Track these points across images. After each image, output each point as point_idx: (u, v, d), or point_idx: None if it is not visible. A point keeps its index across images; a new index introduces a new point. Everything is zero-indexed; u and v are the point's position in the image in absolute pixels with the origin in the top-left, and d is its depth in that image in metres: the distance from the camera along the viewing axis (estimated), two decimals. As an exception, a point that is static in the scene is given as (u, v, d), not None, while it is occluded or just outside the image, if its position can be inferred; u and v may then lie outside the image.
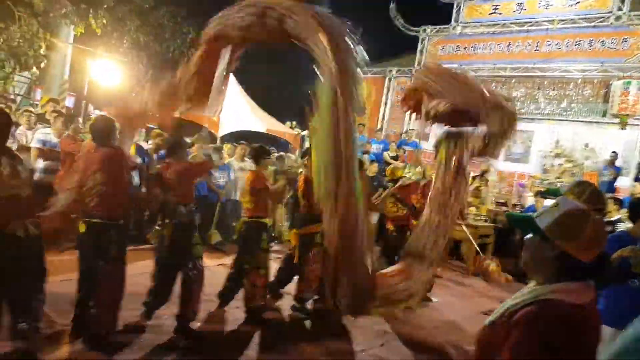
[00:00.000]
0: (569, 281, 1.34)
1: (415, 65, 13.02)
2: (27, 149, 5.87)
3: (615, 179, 9.48)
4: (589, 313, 1.32)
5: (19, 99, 10.55)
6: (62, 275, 3.88)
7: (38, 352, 3.07)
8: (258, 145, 4.98)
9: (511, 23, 11.67)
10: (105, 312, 3.41)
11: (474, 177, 9.04)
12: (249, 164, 7.90)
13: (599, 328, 1.39)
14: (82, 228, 3.45)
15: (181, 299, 3.86)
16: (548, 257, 1.37)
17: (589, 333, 1.31)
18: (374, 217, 8.97)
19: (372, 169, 8.85)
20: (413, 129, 11.85)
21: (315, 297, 4.97)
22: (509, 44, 11.64)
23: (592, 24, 10.49)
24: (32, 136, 6.06)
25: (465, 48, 12.40)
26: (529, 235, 1.46)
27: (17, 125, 6.45)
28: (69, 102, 10.22)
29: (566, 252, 1.34)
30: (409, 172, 7.60)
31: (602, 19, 10.38)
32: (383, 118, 13.65)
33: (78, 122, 6.57)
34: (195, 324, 3.95)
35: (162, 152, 7.30)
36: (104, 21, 8.93)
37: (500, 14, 11.98)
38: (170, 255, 3.96)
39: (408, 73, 13.16)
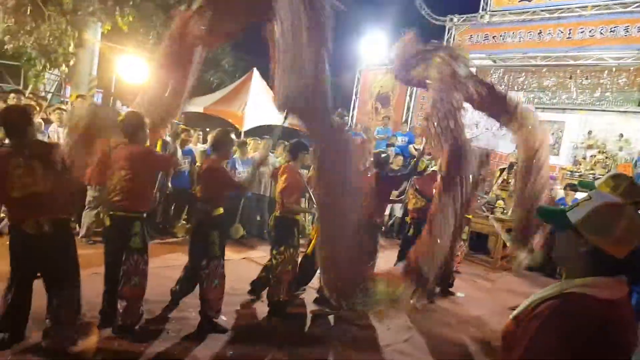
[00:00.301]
0: (600, 276, 1.29)
1: (441, 56, 12.77)
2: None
3: (651, 170, 9.10)
4: (620, 309, 1.26)
5: (49, 96, 10.88)
6: (91, 269, 3.97)
7: (64, 346, 3.10)
8: (296, 140, 4.92)
9: (542, 10, 11.29)
10: (131, 302, 3.46)
11: (501, 170, 8.83)
12: (271, 158, 7.93)
13: (634, 326, 1.31)
14: (107, 221, 3.54)
15: (200, 297, 3.90)
16: (579, 252, 1.33)
17: (619, 330, 1.23)
18: (399, 211, 8.93)
19: (397, 162, 8.76)
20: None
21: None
22: (540, 32, 11.27)
23: (628, 9, 10.03)
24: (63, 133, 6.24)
25: (494, 37, 12.07)
26: (561, 230, 1.41)
27: (49, 122, 6.66)
28: (97, 98, 10.49)
29: (598, 247, 1.29)
30: (433, 164, 7.45)
31: (638, 4, 9.91)
32: (408, 110, 13.45)
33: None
34: (220, 317, 3.98)
35: (188, 147, 7.42)
36: (130, 18, 9.10)
37: (530, 1, 11.61)
38: (192, 249, 4.05)
39: (434, 64, 12.93)
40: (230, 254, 6.29)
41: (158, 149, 6.74)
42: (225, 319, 4.06)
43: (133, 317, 3.49)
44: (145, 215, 3.62)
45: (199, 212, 3.99)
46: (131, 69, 8.99)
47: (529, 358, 1.25)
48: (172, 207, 7.51)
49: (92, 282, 3.61)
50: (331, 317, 4.64)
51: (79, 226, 6.06)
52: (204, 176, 3.99)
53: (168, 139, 7.81)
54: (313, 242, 4.81)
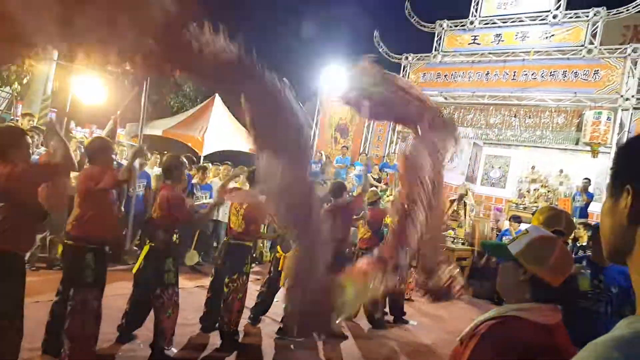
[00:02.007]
0: (537, 302, 1.41)
1: (397, 91, 13.33)
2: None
3: (587, 204, 9.77)
4: (552, 334, 1.36)
5: (-2, 113, 10.38)
6: (32, 297, 3.73)
7: None
8: (254, 168, 4.92)
9: (489, 53, 12.10)
10: (78, 342, 3.20)
11: (452, 201, 9.21)
12: (232, 184, 7.91)
13: (568, 350, 1.37)
14: (59, 249, 3.37)
15: (154, 326, 3.76)
16: (520, 281, 1.45)
17: (550, 353, 1.32)
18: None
19: (359, 191, 8.95)
20: (395, 152, 12.08)
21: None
22: (487, 73, 12.06)
23: (566, 56, 10.96)
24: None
25: (445, 76, 12.78)
26: (503, 261, 1.54)
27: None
28: (51, 117, 10.11)
29: (536, 276, 1.43)
30: (389, 195, 7.71)
31: (575, 52, 10.86)
32: (366, 140, 13.87)
33: (59, 138, 6.52)
34: (172, 350, 3.84)
35: (143, 170, 7.27)
36: (90, 38, 8.90)
37: (479, 44, 12.43)
38: (142, 279, 3.83)
39: (390, 98, 13.46)
40: (184, 282, 6.12)
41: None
42: (175, 350, 3.91)
43: (82, 357, 3.22)
44: (101, 246, 3.38)
45: (158, 239, 3.82)
46: (89, 89, 8.78)
47: None
48: (124, 232, 7.26)
49: (33, 311, 3.34)
50: (292, 346, 4.60)
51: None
52: (160, 202, 3.85)
53: (124, 162, 7.67)
54: (284, 273, 4.75)
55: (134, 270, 3.83)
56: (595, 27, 10.73)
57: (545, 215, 2.85)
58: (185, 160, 4.13)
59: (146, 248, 3.84)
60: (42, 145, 6.69)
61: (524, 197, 11.97)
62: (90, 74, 8.80)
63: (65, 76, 10.03)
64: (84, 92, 8.92)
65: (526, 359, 1.29)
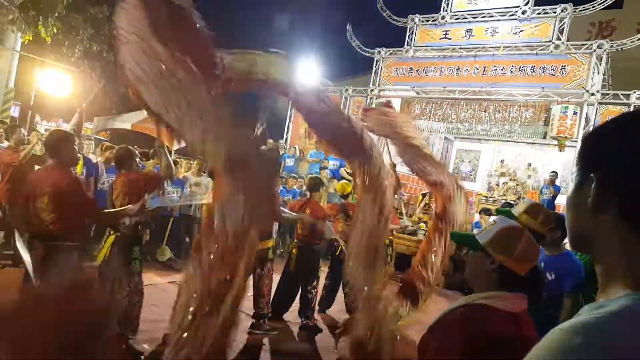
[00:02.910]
0: (504, 291, 1.44)
1: (370, 85, 13.39)
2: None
3: (554, 197, 10.06)
4: (518, 322, 1.40)
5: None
6: None
7: None
8: None
9: (460, 48, 12.26)
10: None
11: (423, 195, 9.34)
12: (205, 179, 7.79)
13: (532, 337, 1.41)
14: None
15: (119, 315, 3.71)
16: (488, 270, 1.49)
17: (518, 340, 1.35)
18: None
19: (333, 185, 8.99)
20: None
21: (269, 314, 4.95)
22: (458, 68, 12.22)
23: (534, 51, 11.21)
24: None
25: (417, 70, 12.89)
26: (472, 251, 1.58)
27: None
28: (14, 111, 9.70)
29: (504, 265, 1.46)
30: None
31: (542, 47, 11.12)
32: (339, 135, 13.87)
33: (21, 132, 6.29)
34: (143, 346, 3.78)
35: (113, 166, 7.08)
36: (55, 30, 8.58)
37: (450, 39, 12.58)
38: (108, 269, 3.77)
39: (364, 92, 13.52)
40: (155, 278, 6.03)
41: (79, 167, 6.41)
42: (147, 347, 3.84)
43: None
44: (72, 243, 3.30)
45: (125, 227, 3.78)
46: (53, 82, 8.47)
47: (438, 358, 1.38)
48: (92, 229, 7.06)
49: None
50: (265, 340, 4.59)
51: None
52: (121, 191, 3.81)
53: (91, 156, 7.46)
54: None
55: (99, 261, 3.76)
56: (562, 23, 11.01)
57: (542, 217, 2.79)
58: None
59: (111, 239, 3.78)
60: (5, 139, 6.43)
61: (494, 190, 12.26)
62: (56, 66, 8.50)
63: (29, 69, 9.64)
64: (48, 84, 8.61)
65: (493, 345, 1.32)
